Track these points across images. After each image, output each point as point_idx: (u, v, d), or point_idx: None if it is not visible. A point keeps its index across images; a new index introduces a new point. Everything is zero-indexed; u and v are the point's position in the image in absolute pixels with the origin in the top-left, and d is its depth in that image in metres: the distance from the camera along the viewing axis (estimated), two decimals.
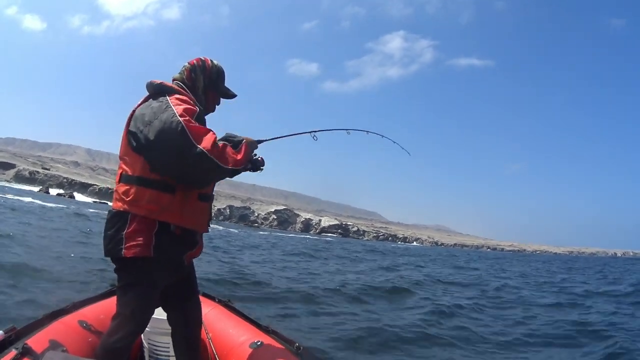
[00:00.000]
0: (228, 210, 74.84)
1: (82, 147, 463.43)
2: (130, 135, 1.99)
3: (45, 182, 64.78)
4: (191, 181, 1.98)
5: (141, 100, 2.09)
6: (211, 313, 2.91)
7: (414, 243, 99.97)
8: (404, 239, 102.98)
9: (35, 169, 73.72)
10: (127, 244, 1.91)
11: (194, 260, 2.30)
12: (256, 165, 2.27)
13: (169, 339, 2.42)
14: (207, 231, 2.21)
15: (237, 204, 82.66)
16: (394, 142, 3.42)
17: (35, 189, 56.82)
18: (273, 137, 2.44)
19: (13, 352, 1.76)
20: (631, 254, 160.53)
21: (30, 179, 66.92)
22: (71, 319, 2.38)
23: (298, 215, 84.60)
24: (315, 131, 2.57)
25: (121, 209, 1.96)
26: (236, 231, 39.13)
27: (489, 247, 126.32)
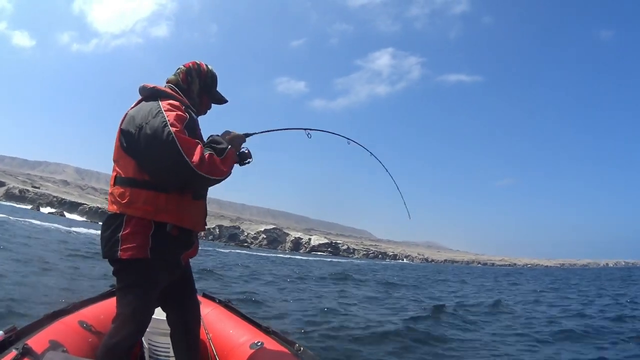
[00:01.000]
0: (217, 230, 74.69)
1: (71, 166, 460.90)
2: (122, 137, 2.01)
3: (36, 201, 64.69)
4: (177, 188, 1.99)
5: (134, 104, 2.10)
6: (211, 313, 2.91)
7: (404, 260, 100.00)
8: (394, 257, 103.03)
9: (25, 187, 73.50)
10: (123, 246, 1.92)
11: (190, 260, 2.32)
12: (243, 159, 2.22)
13: (169, 340, 2.44)
14: (204, 229, 2.22)
15: (226, 223, 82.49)
16: (397, 186, 3.27)
17: (27, 207, 57.09)
18: (262, 130, 2.39)
19: (13, 353, 1.77)
20: (623, 263, 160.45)
21: (21, 197, 66.75)
22: (71, 319, 2.40)
23: (287, 235, 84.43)
24: (310, 129, 2.53)
25: (117, 211, 1.97)
26: (230, 251, 38.31)
27: (479, 263, 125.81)
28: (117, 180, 2.02)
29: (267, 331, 2.65)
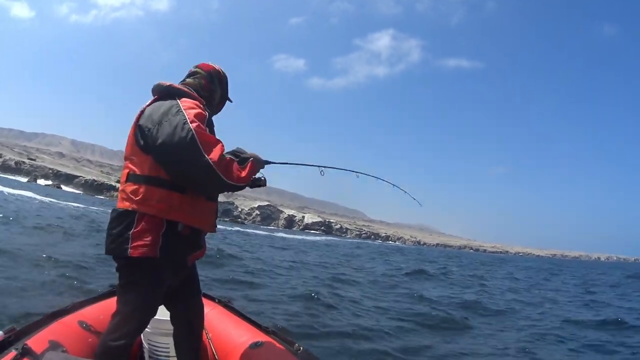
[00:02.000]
0: None
1: (67, 138, 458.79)
2: (138, 132, 1.99)
3: (31, 173, 64.86)
4: (192, 187, 1.98)
5: (150, 102, 2.08)
6: (211, 313, 2.92)
7: (397, 242, 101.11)
8: (387, 238, 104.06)
9: (21, 159, 73.76)
10: (134, 243, 1.89)
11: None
12: (256, 183, 2.24)
13: (168, 340, 2.42)
14: (215, 231, 2.21)
15: (220, 198, 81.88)
16: (405, 192, 3.39)
17: (23, 179, 57.49)
18: (282, 162, 2.43)
19: (13, 353, 1.77)
20: (615, 258, 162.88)
21: (17, 169, 66.81)
22: (71, 319, 2.39)
23: (281, 212, 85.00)
24: (323, 167, 2.57)
25: (129, 208, 1.94)
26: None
27: (471, 248, 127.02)
28: (129, 177, 2.00)
29: (267, 331, 2.67)
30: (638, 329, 7.94)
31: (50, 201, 25.91)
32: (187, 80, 2.24)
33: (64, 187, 59.51)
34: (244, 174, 2.00)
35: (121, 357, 1.94)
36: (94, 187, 61.80)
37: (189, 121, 1.86)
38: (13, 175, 60.62)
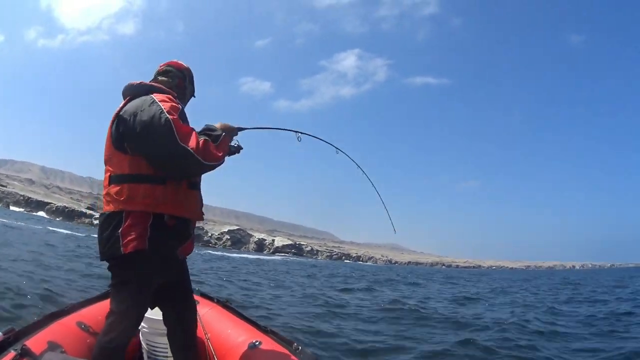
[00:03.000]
0: None
1: (37, 165, 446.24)
2: (114, 132, 2.01)
3: (3, 200, 65.70)
4: (173, 174, 2.00)
5: (122, 104, 2.09)
6: (209, 313, 2.91)
7: (368, 262, 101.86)
8: (358, 258, 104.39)
9: None
10: (125, 240, 1.90)
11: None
12: (232, 152, 2.28)
13: (167, 340, 2.41)
14: (202, 219, 2.22)
15: None
16: (379, 194, 3.32)
17: None
18: (255, 126, 2.40)
19: (12, 354, 1.78)
20: (590, 265, 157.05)
21: None
22: (69, 320, 2.41)
23: (251, 236, 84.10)
24: (300, 132, 2.54)
25: (115, 210, 1.95)
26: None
27: (444, 264, 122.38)
28: (112, 179, 2.00)
29: (265, 330, 2.68)
30: None
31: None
32: (160, 78, 2.27)
33: (35, 214, 60.26)
34: (220, 152, 2.04)
35: (118, 356, 1.97)
36: (66, 214, 62.44)
37: (165, 111, 1.90)
38: None
